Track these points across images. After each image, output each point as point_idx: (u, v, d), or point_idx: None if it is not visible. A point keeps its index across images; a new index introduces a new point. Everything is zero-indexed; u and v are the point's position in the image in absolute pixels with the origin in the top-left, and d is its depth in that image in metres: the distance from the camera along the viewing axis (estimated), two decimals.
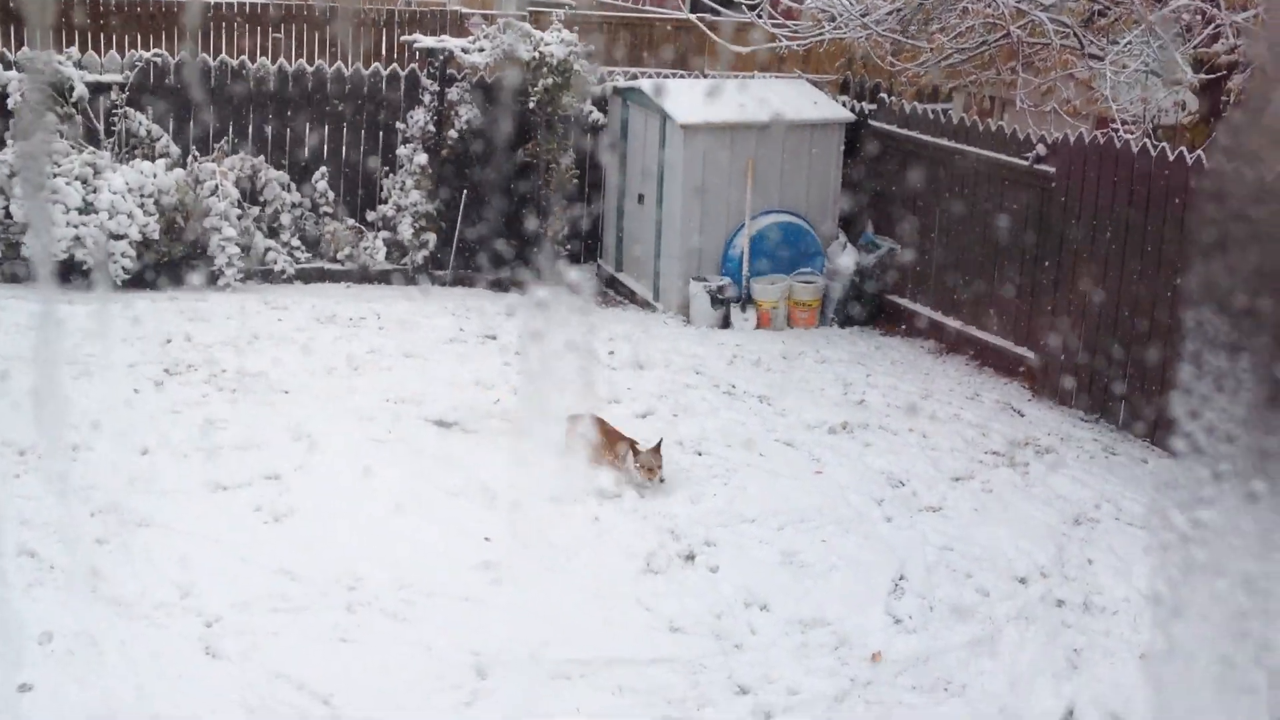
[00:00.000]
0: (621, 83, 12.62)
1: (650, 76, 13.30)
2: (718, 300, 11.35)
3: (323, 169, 12.16)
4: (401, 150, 12.19)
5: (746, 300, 11.41)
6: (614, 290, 12.65)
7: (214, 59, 12.27)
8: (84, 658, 5.33)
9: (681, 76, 14.08)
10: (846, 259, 11.59)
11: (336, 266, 11.99)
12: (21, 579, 5.79)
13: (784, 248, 11.64)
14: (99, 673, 5.18)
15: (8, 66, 11.21)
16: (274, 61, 12.31)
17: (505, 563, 6.54)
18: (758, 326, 11.34)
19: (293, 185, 11.97)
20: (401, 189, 12.09)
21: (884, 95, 12.56)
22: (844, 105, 12.41)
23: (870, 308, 11.66)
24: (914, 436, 8.62)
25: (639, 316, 11.73)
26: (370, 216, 12.28)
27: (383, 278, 12.05)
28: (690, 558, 6.72)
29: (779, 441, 8.45)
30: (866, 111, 12.19)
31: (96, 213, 10.56)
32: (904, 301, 11.50)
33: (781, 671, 5.71)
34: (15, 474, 6.84)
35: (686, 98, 11.73)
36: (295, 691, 5.31)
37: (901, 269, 11.52)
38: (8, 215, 10.67)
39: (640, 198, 12.18)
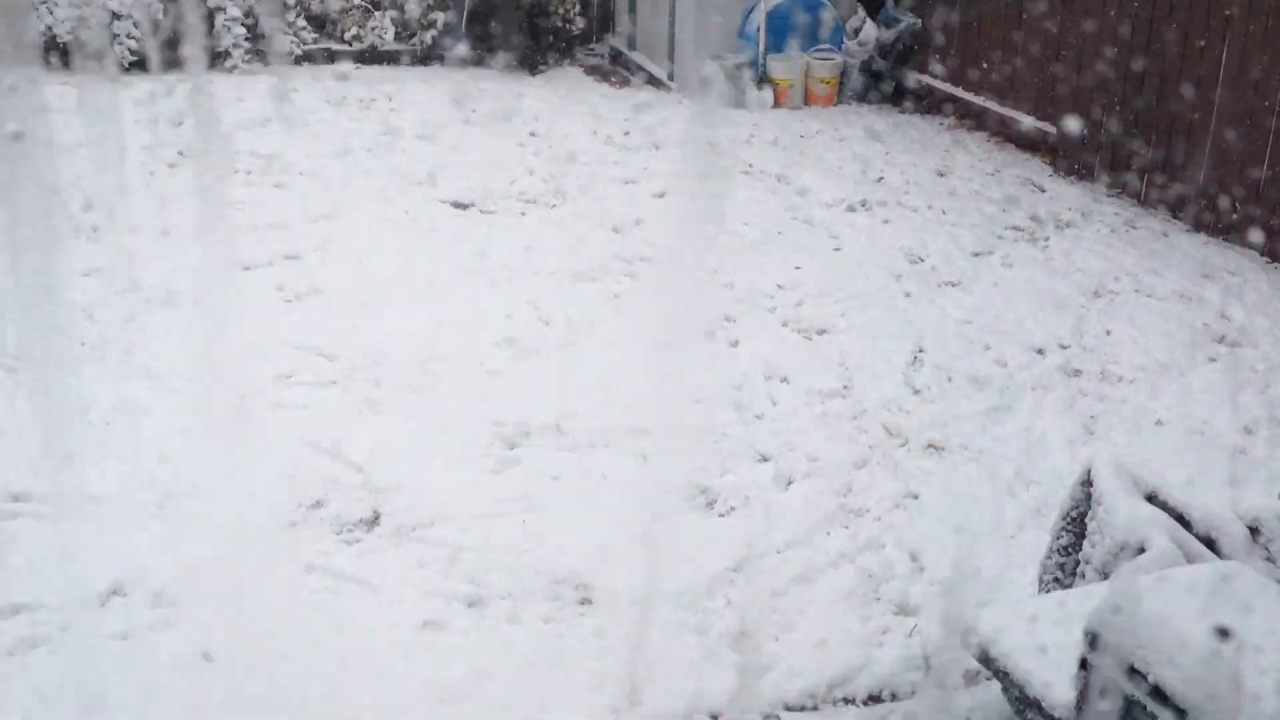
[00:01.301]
0: None
1: None
2: (733, 78, 11.15)
3: None
4: None
5: (763, 79, 11.21)
6: (627, 69, 12.42)
7: None
8: (121, 429, 5.45)
9: None
10: (866, 34, 11.33)
11: (344, 47, 11.77)
12: (53, 355, 5.86)
13: (802, 24, 11.37)
14: (136, 443, 5.30)
15: None
16: None
17: (528, 338, 6.62)
18: (774, 105, 11.17)
19: None
20: None
21: None
22: None
23: (889, 84, 11.46)
24: (933, 213, 8.59)
25: (653, 95, 11.55)
26: None
27: (391, 58, 11.83)
28: (710, 333, 6.78)
29: (797, 220, 8.43)
30: None
31: None
32: (924, 78, 11.29)
33: (802, 440, 5.82)
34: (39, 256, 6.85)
35: None
36: (329, 461, 5.45)
37: (922, 44, 11.27)
38: None
39: None
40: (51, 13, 10.18)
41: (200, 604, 4.44)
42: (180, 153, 8.80)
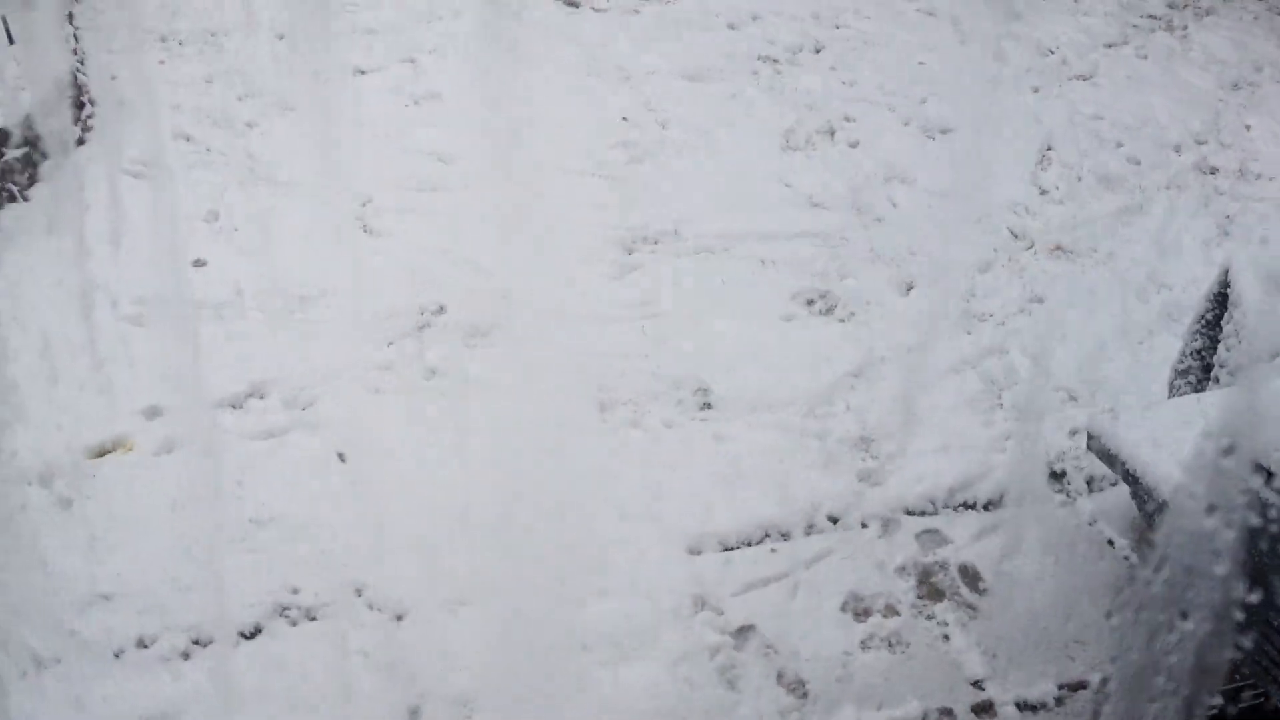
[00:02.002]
0: None
1: None
2: None
3: None
4: None
5: None
6: None
7: None
8: (248, 233, 5.55)
9: None
10: None
11: None
12: (182, 161, 5.97)
13: None
14: (264, 248, 5.41)
15: None
16: None
17: (644, 141, 6.54)
18: None
19: None
20: None
21: None
22: None
23: None
24: (1065, 2, 8.19)
25: None
26: None
27: None
28: (830, 133, 6.64)
29: (920, 11, 8.11)
30: None
31: None
32: None
33: (923, 244, 5.73)
34: (161, 60, 6.91)
35: None
36: (449, 266, 5.51)
37: None
38: None
39: None
40: None
41: (332, 407, 4.59)
42: None
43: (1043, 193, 6.10)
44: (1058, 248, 5.65)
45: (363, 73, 7.10)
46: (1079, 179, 6.18)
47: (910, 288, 5.46)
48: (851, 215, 5.97)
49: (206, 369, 4.69)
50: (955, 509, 4.28)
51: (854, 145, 6.54)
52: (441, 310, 5.23)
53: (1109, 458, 3.53)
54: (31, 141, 5.61)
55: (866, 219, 5.95)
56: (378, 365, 4.89)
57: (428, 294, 5.30)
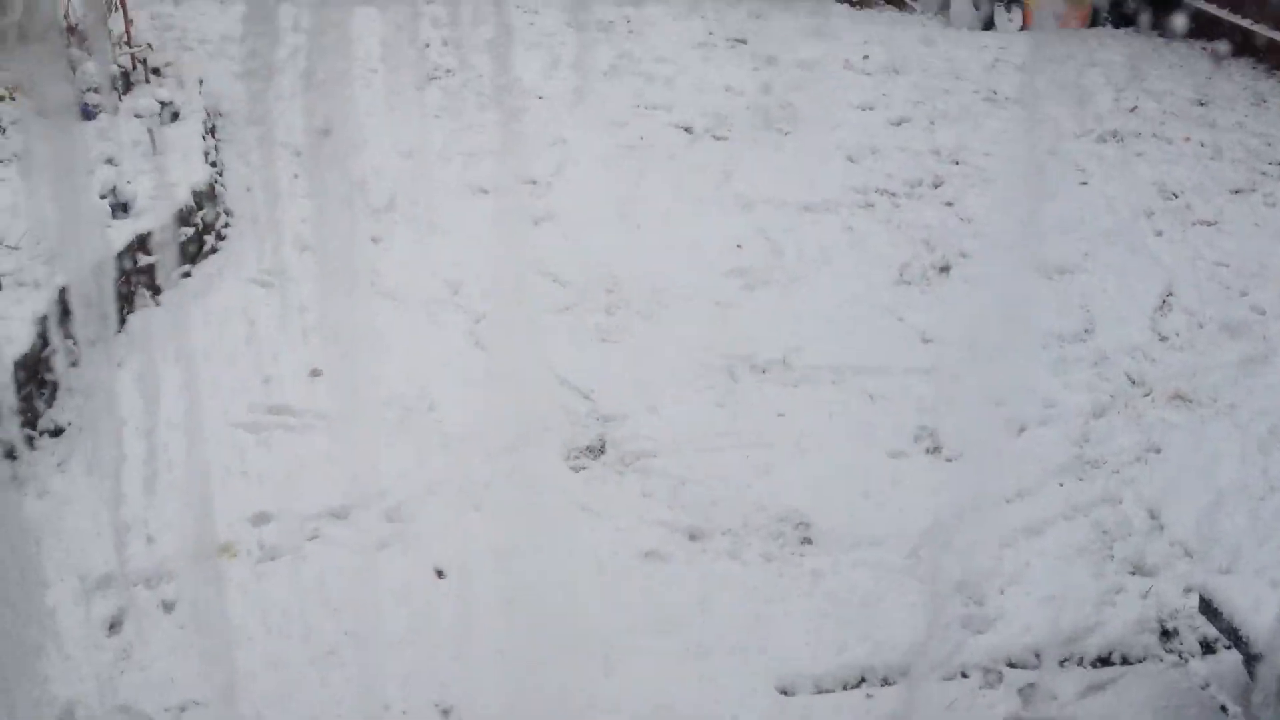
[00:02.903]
0: None
1: None
2: (981, 0, 10.72)
3: None
4: None
5: (1011, 0, 10.73)
6: None
7: None
8: (366, 346, 5.66)
9: None
10: None
11: None
12: (305, 273, 6.14)
13: None
14: (380, 359, 5.51)
15: None
16: None
17: (758, 268, 6.58)
18: (1023, 27, 10.70)
19: None
20: None
21: None
22: None
23: (1149, 7, 10.81)
24: (1190, 145, 8.11)
25: (894, 17, 11.23)
26: None
27: None
28: (945, 269, 6.61)
29: (1043, 150, 8.07)
30: None
31: None
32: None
33: (1037, 384, 5.63)
34: (295, 174, 7.16)
35: None
36: (557, 385, 5.56)
37: None
38: None
39: None
40: None
41: (433, 521, 4.62)
42: (429, 76, 9.02)
43: (1162, 339, 5.97)
44: (1177, 395, 5.51)
45: (485, 191, 7.28)
46: (1200, 326, 6.04)
47: (1022, 429, 5.36)
48: (964, 352, 5.90)
49: (314, 478, 4.77)
50: (1061, 663, 4.13)
51: (969, 282, 6.49)
52: (546, 429, 5.26)
53: (1219, 620, 3.39)
54: (167, 248, 5.84)
55: (979, 357, 5.86)
56: (480, 482, 4.92)
57: (534, 413, 5.34)
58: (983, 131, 8.34)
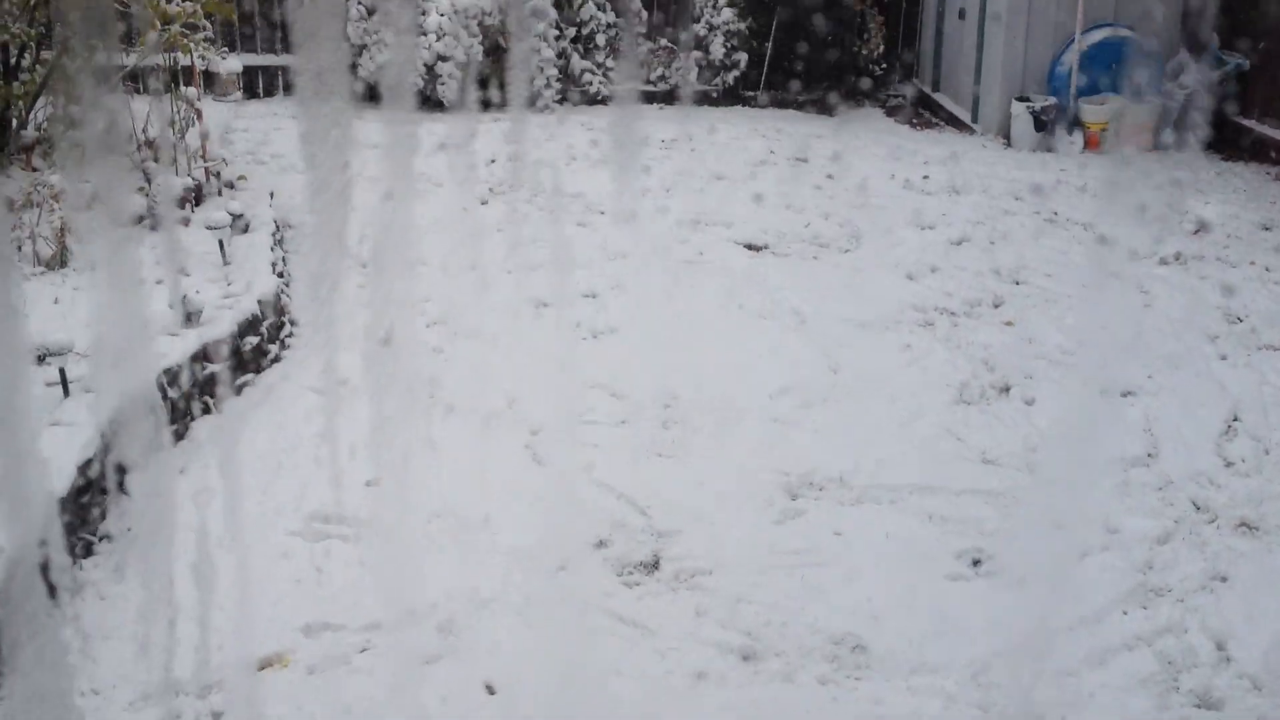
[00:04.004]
0: None
1: None
2: (1041, 121, 10.79)
3: None
4: None
5: (1073, 122, 10.80)
6: (929, 111, 12.20)
7: None
8: (422, 457, 5.71)
9: None
10: (1187, 77, 10.75)
11: (649, 87, 12.04)
12: (367, 382, 6.20)
13: (1117, 65, 10.90)
14: (436, 471, 5.54)
15: None
16: None
17: (815, 386, 6.57)
18: (1085, 149, 10.74)
19: (608, 5, 12.01)
20: (714, 7, 11.94)
21: None
22: None
23: (1212, 130, 10.82)
24: (1255, 269, 8.05)
25: (955, 138, 11.31)
26: (683, 37, 12.22)
27: (694, 99, 12.02)
28: (1005, 390, 6.56)
29: (1104, 272, 8.06)
30: None
31: (424, 34, 10.93)
32: (1251, 123, 10.61)
33: (1099, 508, 5.54)
34: (360, 285, 7.29)
35: None
36: (614, 501, 5.55)
37: (1249, 87, 10.61)
38: (345, 38, 11.16)
39: (961, 12, 11.61)
40: (382, 53, 10.85)
41: (484, 635, 4.59)
42: (491, 189, 9.20)
43: (1228, 464, 5.86)
44: (1244, 524, 5.39)
45: (544, 305, 7.36)
46: (1267, 452, 5.93)
47: (1084, 555, 5.26)
48: (1024, 475, 5.83)
49: (366, 589, 4.77)
50: None
51: (1030, 403, 6.44)
52: (601, 545, 5.24)
53: None
54: (231, 357, 5.94)
55: (1040, 480, 5.80)
56: (532, 597, 4.90)
57: (588, 528, 5.33)
58: (1044, 252, 8.34)
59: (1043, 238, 8.61)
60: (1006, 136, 11.03)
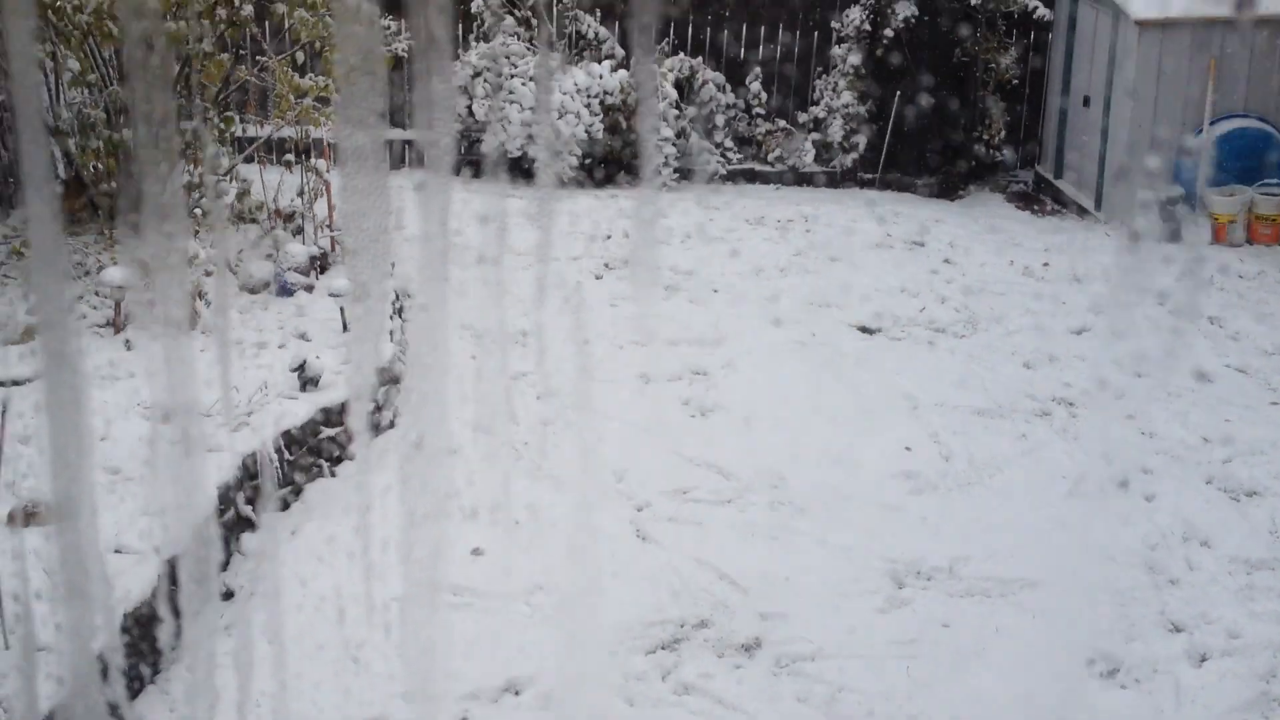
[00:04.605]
0: None
1: None
2: (1167, 211, 10.58)
3: (756, 70, 12.23)
4: (835, 50, 12.05)
5: (1200, 213, 10.57)
6: (1051, 198, 12.05)
7: None
8: (528, 528, 5.74)
9: None
10: None
11: (766, 168, 12.10)
12: (477, 452, 6.28)
13: (1247, 156, 10.66)
14: (541, 543, 5.56)
15: None
16: None
17: (926, 473, 6.47)
18: (1212, 241, 10.49)
19: (727, 86, 12.12)
20: (833, 90, 11.99)
21: None
22: None
23: None
24: None
25: (1077, 226, 11.15)
26: (801, 118, 12.27)
27: (811, 180, 12.04)
28: (1124, 484, 6.39)
29: (1230, 367, 7.84)
30: None
31: (548, 112, 11.13)
32: None
33: (1221, 612, 5.35)
34: (473, 355, 7.39)
35: None
36: (716, 580, 5.51)
37: None
38: (470, 113, 11.42)
39: (1085, 99, 11.49)
40: (505, 130, 11.09)
41: (583, 713, 4.57)
42: (606, 265, 9.29)
43: None
44: None
45: (655, 380, 7.37)
46: None
47: (1204, 659, 5.08)
48: (1143, 573, 5.66)
49: (467, 658, 4.78)
50: None
51: (1149, 499, 6.26)
52: (703, 625, 5.20)
53: None
54: (347, 422, 6.05)
55: (1159, 579, 5.62)
56: (632, 674, 4.87)
57: (690, 607, 5.30)
58: (1168, 345, 8.14)
59: (1166, 330, 8.41)
60: (1130, 225, 10.83)
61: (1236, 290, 9.27)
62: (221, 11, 7.19)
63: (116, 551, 4.60)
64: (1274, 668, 4.99)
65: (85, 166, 7.03)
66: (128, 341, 6.00)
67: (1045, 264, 9.72)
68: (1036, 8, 11.84)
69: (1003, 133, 12.02)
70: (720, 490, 6.26)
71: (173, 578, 4.46)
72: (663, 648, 5.07)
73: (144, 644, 4.45)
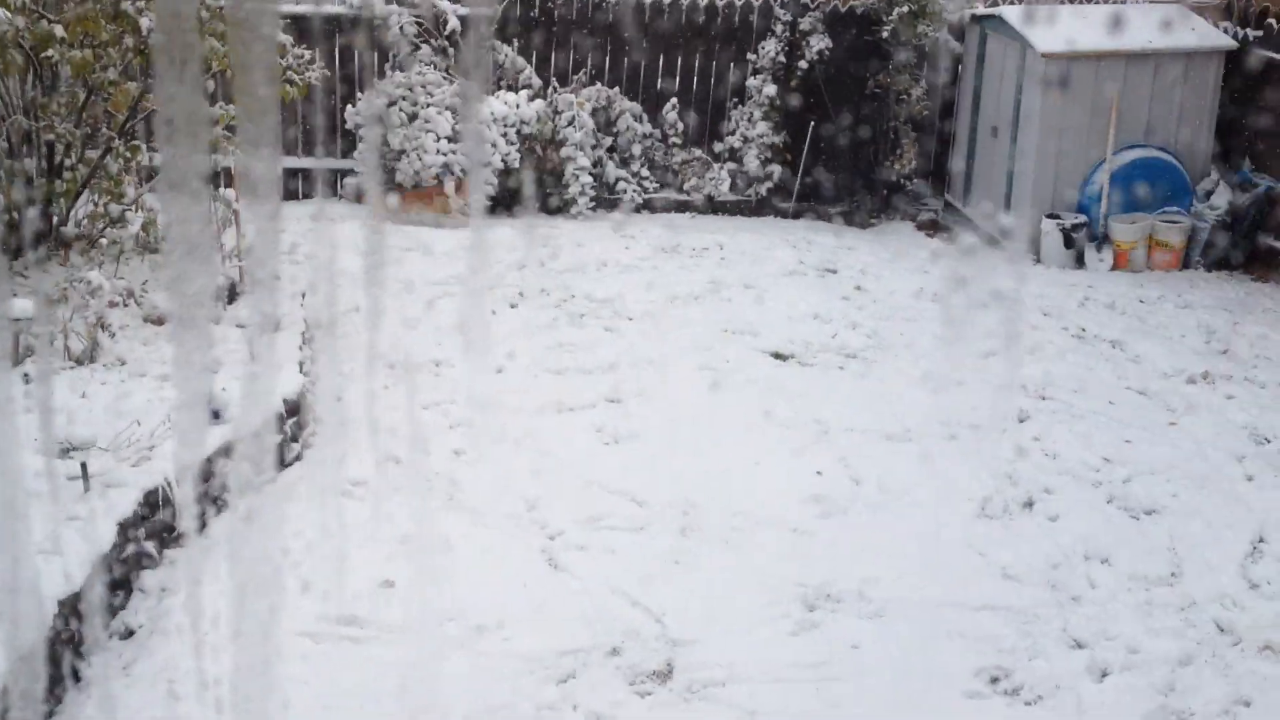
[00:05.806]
0: (980, 9, 12.14)
1: (1012, 3, 12.71)
2: (1071, 239, 10.83)
3: (673, 100, 12.33)
4: (751, 81, 12.20)
5: (1103, 240, 10.83)
6: (960, 225, 12.28)
7: None
8: (439, 559, 5.71)
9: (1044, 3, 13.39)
10: (1218, 198, 10.80)
11: (682, 197, 12.19)
12: (387, 484, 6.25)
13: (1148, 185, 10.94)
14: (452, 574, 5.53)
15: (388, 1, 11.92)
16: None
17: (836, 497, 6.54)
18: (1114, 268, 10.75)
19: (644, 116, 12.21)
20: (749, 120, 12.13)
21: (1272, 20, 11.52)
22: (1225, 32, 11.47)
23: (1243, 251, 10.82)
24: None
25: (985, 253, 11.35)
26: (717, 148, 12.40)
27: (727, 208, 12.15)
28: (1028, 504, 6.51)
29: (1130, 389, 8.03)
30: (1251, 38, 11.24)
31: (464, 140, 11.13)
32: None
33: (1121, 628, 5.47)
34: (385, 385, 7.36)
35: (1049, 26, 11.15)
36: (629, 608, 5.53)
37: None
38: (385, 143, 11.38)
39: (994, 130, 11.74)
40: (420, 159, 11.06)
41: None
42: (520, 293, 9.30)
43: (1253, 586, 5.78)
44: (1267, 647, 5.30)
45: (568, 409, 7.39)
46: None
47: (1105, 674, 5.19)
48: (1045, 592, 5.77)
49: (374, 692, 4.75)
50: None
51: (1053, 519, 6.39)
52: (615, 653, 5.21)
53: None
54: (252, 455, 5.98)
55: (1061, 597, 5.73)
56: (544, 704, 4.87)
57: (602, 635, 5.31)
58: (1071, 368, 8.33)
59: (1070, 354, 8.60)
60: (1036, 253, 11.06)
61: (1137, 314, 9.50)
62: (129, 40, 7.12)
63: None
64: (1172, 681, 5.10)
65: None
66: (26, 375, 5.90)
67: (953, 290, 9.89)
68: (948, 41, 12.09)
69: (914, 162, 12.23)
70: (633, 517, 6.28)
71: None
72: (574, 677, 5.07)
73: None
